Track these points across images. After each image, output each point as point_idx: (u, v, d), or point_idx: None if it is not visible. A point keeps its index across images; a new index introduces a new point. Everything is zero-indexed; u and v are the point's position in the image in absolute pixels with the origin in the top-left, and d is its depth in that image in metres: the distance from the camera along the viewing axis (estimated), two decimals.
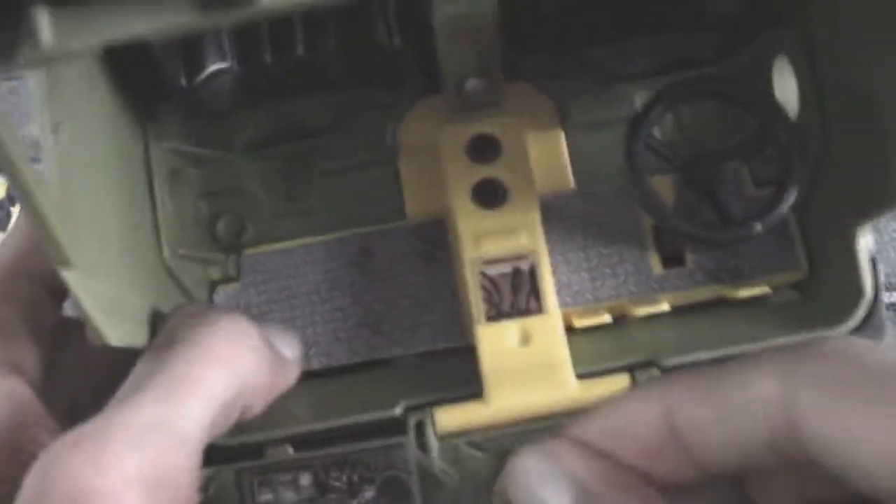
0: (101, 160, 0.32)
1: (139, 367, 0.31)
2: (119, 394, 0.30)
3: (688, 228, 0.35)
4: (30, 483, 0.28)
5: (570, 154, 0.38)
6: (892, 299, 0.38)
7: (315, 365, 0.37)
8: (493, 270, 0.35)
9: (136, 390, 0.29)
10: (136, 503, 0.27)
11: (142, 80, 0.34)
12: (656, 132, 0.36)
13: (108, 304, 0.29)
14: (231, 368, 0.31)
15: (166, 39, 0.21)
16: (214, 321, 0.31)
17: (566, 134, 0.38)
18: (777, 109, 0.35)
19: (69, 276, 0.27)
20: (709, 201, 0.35)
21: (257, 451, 0.34)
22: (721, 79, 0.35)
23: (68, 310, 0.35)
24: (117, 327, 0.29)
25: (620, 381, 0.33)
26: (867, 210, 0.32)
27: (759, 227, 0.34)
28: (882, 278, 0.34)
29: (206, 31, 0.21)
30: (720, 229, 0.35)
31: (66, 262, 0.27)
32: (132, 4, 0.20)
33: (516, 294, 0.34)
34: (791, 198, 0.34)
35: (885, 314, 0.34)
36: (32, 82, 0.28)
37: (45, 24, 0.20)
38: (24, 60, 0.21)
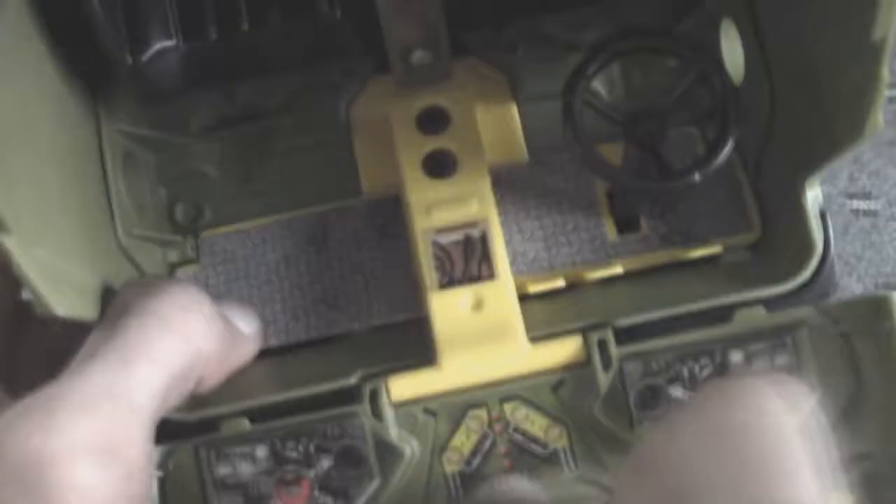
0: (45, 133, 0.32)
1: (91, 337, 0.31)
2: (72, 364, 0.30)
3: (629, 181, 0.35)
4: None
5: (523, 125, 0.38)
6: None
7: (274, 342, 0.37)
8: (444, 239, 0.35)
9: (87, 358, 0.29)
10: (86, 469, 0.27)
11: (87, 57, 0.35)
12: (600, 91, 0.36)
13: (54, 274, 0.29)
14: (183, 336, 0.31)
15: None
16: (166, 290, 0.32)
17: (518, 106, 0.38)
18: (712, 61, 0.35)
19: (7, 241, 0.27)
20: (653, 158, 0.35)
21: (214, 426, 0.34)
22: (657, 33, 0.36)
23: (26, 294, 0.35)
24: (64, 298, 0.30)
25: (573, 343, 0.33)
26: (811, 164, 0.32)
27: (696, 176, 0.34)
28: (831, 233, 0.34)
29: None
30: (667, 191, 0.35)
31: (3, 227, 0.27)
32: None
33: (468, 261, 0.35)
34: (726, 147, 0.34)
35: (836, 268, 0.34)
36: None
37: None
38: None
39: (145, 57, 0.35)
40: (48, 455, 0.27)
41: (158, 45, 0.35)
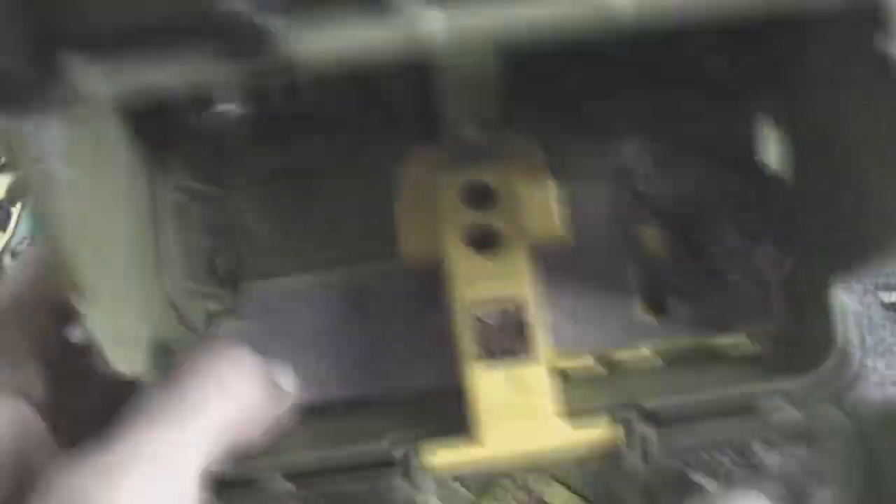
0: (110, 190, 0.33)
1: (145, 394, 0.32)
2: (125, 419, 0.31)
3: (668, 276, 0.37)
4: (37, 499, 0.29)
5: (564, 206, 0.39)
6: (893, 299, 0.40)
7: (308, 399, 0.38)
8: (484, 313, 0.36)
9: (141, 416, 0.31)
10: None
11: (151, 116, 0.36)
12: (643, 183, 0.38)
13: (115, 332, 0.30)
14: (234, 397, 0.32)
15: (191, 88, 0.22)
16: (219, 352, 0.33)
17: (558, 185, 0.39)
18: (755, 166, 0.36)
19: (81, 304, 0.28)
20: (691, 251, 0.37)
21: (250, 482, 0.35)
22: (703, 135, 0.37)
23: (72, 337, 0.36)
24: (123, 355, 0.31)
25: (603, 422, 0.35)
26: (843, 267, 0.34)
27: (734, 276, 0.36)
28: (855, 330, 0.35)
29: (228, 81, 0.22)
30: (700, 278, 0.37)
31: (79, 289, 0.28)
32: (162, 54, 0.21)
33: (506, 337, 0.36)
34: (766, 250, 0.36)
35: (862, 363, 0.35)
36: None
37: (77, 69, 0.22)
38: (55, 103, 0.22)
39: (207, 117, 0.36)
40: None
41: (221, 108, 0.36)
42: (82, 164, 0.29)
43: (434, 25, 0.23)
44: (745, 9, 0.24)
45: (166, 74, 0.21)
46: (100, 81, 0.22)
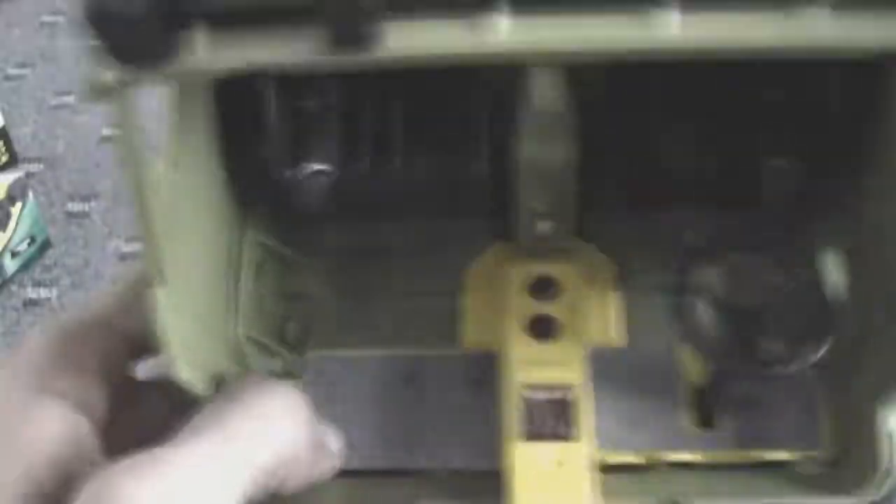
0: (202, 218, 0.35)
1: (199, 415, 0.33)
2: (176, 434, 0.32)
3: (716, 394, 0.37)
4: (82, 500, 0.30)
5: (622, 312, 0.40)
6: None
7: (351, 465, 0.38)
8: (535, 395, 0.37)
9: (193, 432, 0.32)
10: None
11: (248, 167, 0.38)
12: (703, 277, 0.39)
13: (182, 338, 0.32)
14: (280, 436, 0.33)
15: (298, 71, 0.25)
16: (273, 388, 0.34)
17: (622, 293, 0.41)
18: (815, 274, 0.38)
19: (160, 293, 0.30)
20: (747, 346, 0.38)
21: None
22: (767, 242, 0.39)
23: (139, 372, 0.38)
24: (188, 367, 0.32)
25: None
26: (892, 395, 0.34)
27: (792, 367, 0.36)
28: None
29: (332, 68, 0.25)
30: (747, 399, 0.38)
31: (160, 279, 0.30)
32: (275, 36, 0.24)
33: (554, 420, 0.36)
34: (824, 345, 0.36)
35: None
36: (166, 114, 0.32)
37: (201, 41, 0.24)
38: (176, 70, 0.25)
39: (300, 175, 0.39)
40: None
41: (315, 167, 0.39)
42: (180, 165, 0.31)
43: (501, 29, 0.25)
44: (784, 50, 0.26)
45: (271, 53, 0.24)
46: (210, 54, 0.24)
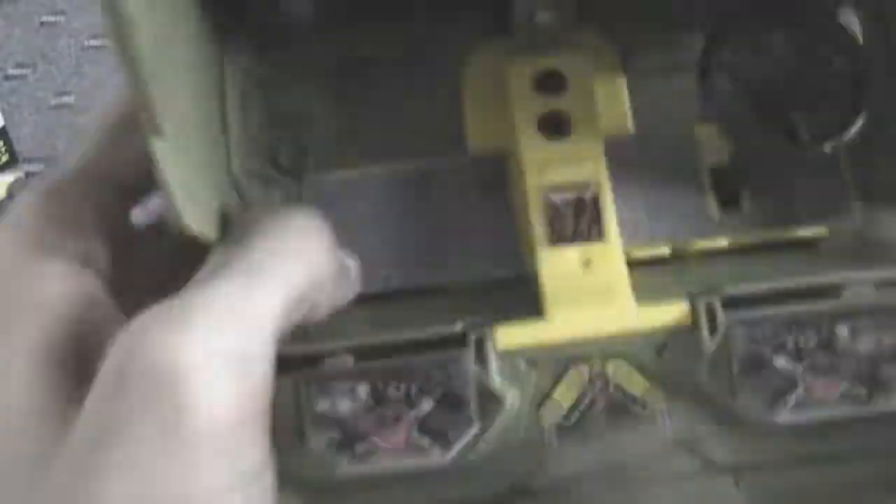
0: (182, 54, 0.33)
1: (215, 256, 0.31)
2: (195, 279, 0.30)
3: (741, 171, 0.36)
4: (113, 355, 0.28)
5: (631, 99, 0.38)
6: None
7: (372, 288, 0.37)
8: (556, 197, 0.35)
9: (212, 276, 0.30)
10: (219, 380, 0.27)
11: None
12: (729, 55, 0.37)
13: (186, 185, 0.30)
14: (304, 261, 0.31)
15: None
16: (290, 216, 0.32)
17: (627, 78, 0.38)
18: (845, 34, 0.36)
19: (159, 146, 0.28)
20: (780, 124, 0.36)
21: (316, 361, 0.34)
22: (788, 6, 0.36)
23: (137, 218, 0.36)
24: (193, 212, 0.30)
25: (680, 306, 0.34)
26: None
27: (827, 147, 0.35)
28: None
29: None
30: (775, 173, 0.36)
31: (158, 131, 0.27)
32: None
33: (578, 221, 0.35)
34: (859, 119, 0.35)
35: None
36: None
37: None
38: None
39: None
40: (184, 362, 0.27)
41: None
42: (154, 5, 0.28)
43: None
44: None
45: None
46: None
